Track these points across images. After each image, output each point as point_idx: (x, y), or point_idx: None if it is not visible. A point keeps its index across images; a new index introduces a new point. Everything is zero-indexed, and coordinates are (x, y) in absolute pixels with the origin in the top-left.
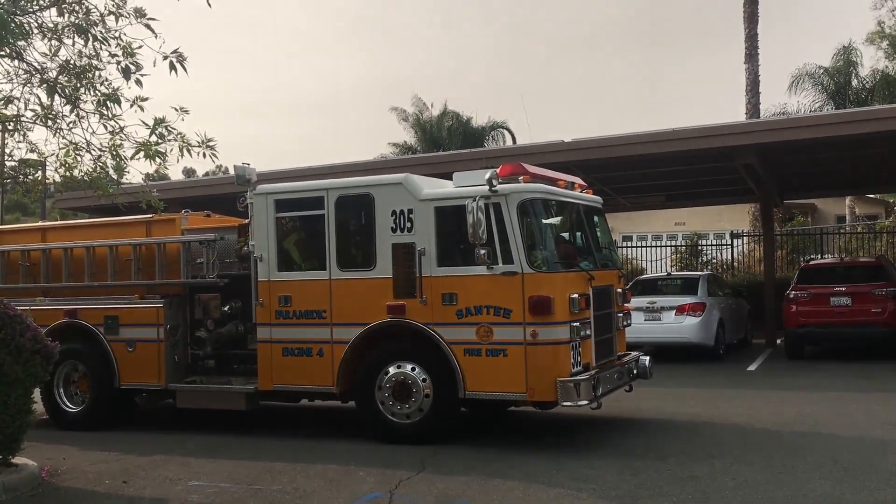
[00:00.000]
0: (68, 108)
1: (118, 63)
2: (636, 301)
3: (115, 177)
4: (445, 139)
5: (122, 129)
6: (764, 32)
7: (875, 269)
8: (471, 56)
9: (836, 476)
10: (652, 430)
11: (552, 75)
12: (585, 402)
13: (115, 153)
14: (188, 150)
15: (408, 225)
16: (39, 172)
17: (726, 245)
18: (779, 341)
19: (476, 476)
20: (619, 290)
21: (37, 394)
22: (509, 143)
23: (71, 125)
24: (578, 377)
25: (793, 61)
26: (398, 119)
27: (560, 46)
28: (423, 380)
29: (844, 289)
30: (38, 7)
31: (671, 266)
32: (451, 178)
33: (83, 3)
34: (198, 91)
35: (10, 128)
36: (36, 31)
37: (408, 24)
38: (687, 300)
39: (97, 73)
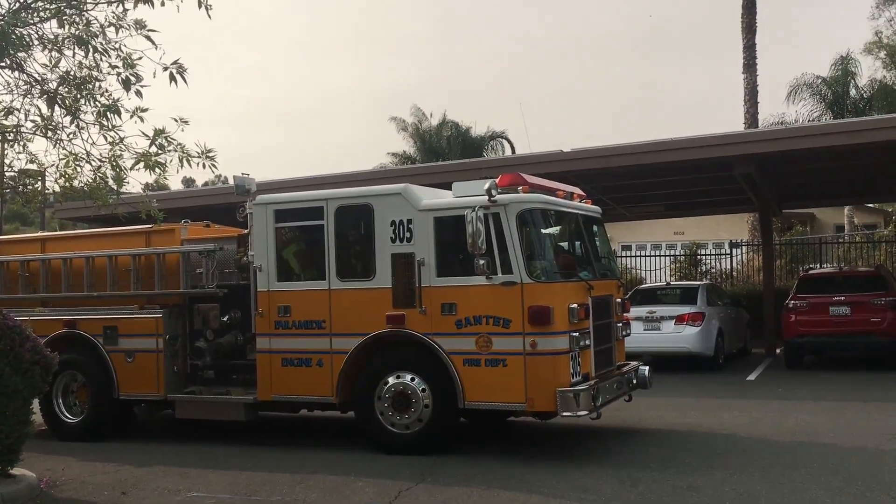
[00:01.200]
0: (68, 118)
1: (118, 74)
2: (635, 311)
3: (114, 187)
4: (444, 149)
5: (121, 139)
6: (762, 43)
7: (874, 279)
8: (470, 66)
9: (835, 486)
10: (651, 440)
11: (551, 85)
12: (585, 412)
13: (114, 164)
14: (188, 161)
15: (407, 235)
16: (39, 183)
17: (725, 254)
18: (778, 351)
19: (476, 486)
20: (619, 299)
21: (35, 404)
22: (508, 152)
23: (71, 136)
24: (578, 387)
25: (791, 71)
26: (397, 129)
27: (559, 56)
28: (423, 390)
29: (843, 298)
30: (38, 19)
31: (670, 276)
32: (450, 188)
33: (83, 15)
34: (198, 101)
35: (10, 138)
36: (36, 42)
37: (407, 34)
38: (686, 310)
39: (97, 84)
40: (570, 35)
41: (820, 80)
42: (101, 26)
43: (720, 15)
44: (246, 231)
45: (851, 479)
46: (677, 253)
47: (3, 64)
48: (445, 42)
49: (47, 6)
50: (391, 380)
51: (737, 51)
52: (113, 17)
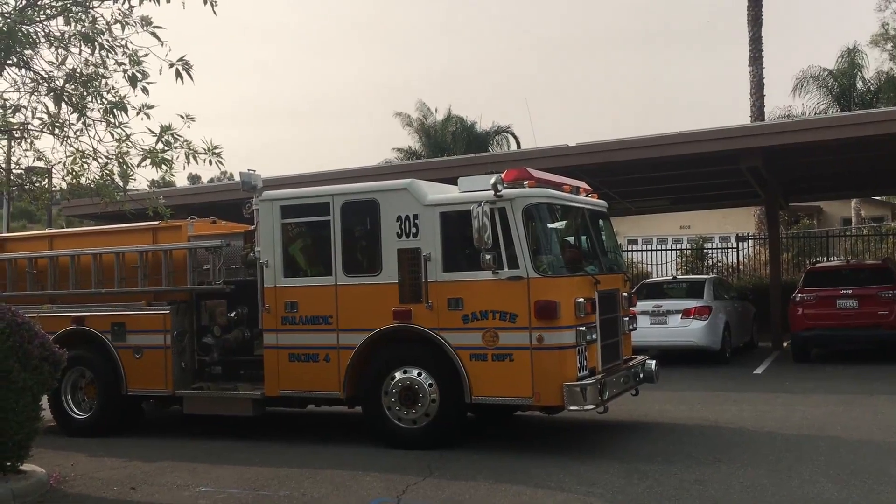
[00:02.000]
0: (75, 116)
1: (125, 71)
2: (642, 305)
3: (121, 184)
4: (450, 144)
5: (128, 136)
6: (768, 35)
7: (881, 272)
8: (475, 61)
9: (842, 479)
10: (658, 434)
11: (557, 79)
12: (592, 406)
13: (121, 160)
14: (194, 157)
15: (413, 230)
16: (46, 180)
17: (732, 248)
18: (785, 344)
19: (483, 480)
20: (625, 294)
21: (45, 400)
22: (514, 147)
23: (78, 133)
24: (585, 381)
25: (797, 64)
26: (402, 124)
27: (565, 50)
28: (430, 385)
29: (850, 291)
30: (45, 17)
31: (677, 269)
32: (455, 184)
33: (90, 13)
34: (204, 98)
35: (17, 136)
36: (43, 40)
37: (412, 29)
38: (693, 304)
39: (104, 81)
40: (575, 29)
41: (826, 73)
42: (108, 23)
43: (726, 8)
44: (252, 227)
45: (859, 472)
46: (684, 247)
47: (10, 62)
48: (451, 38)
49: (54, 3)
50: (398, 375)
51: (743, 44)
52: (119, 14)
